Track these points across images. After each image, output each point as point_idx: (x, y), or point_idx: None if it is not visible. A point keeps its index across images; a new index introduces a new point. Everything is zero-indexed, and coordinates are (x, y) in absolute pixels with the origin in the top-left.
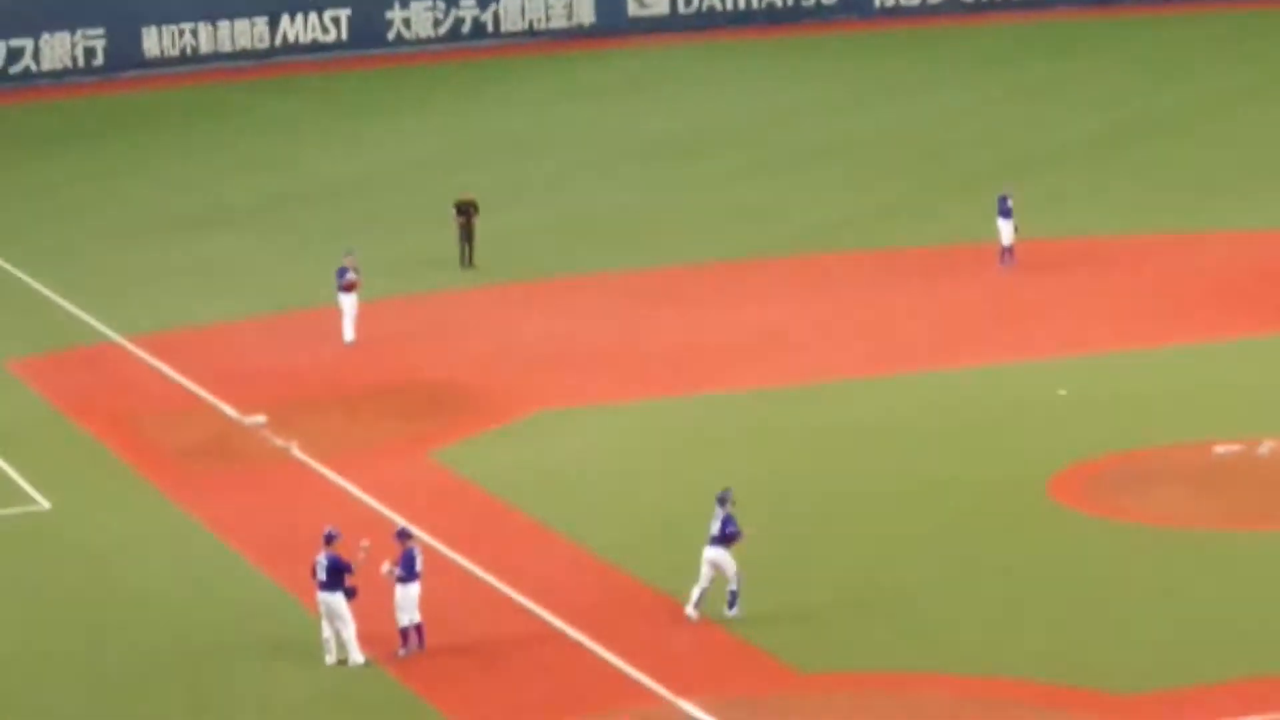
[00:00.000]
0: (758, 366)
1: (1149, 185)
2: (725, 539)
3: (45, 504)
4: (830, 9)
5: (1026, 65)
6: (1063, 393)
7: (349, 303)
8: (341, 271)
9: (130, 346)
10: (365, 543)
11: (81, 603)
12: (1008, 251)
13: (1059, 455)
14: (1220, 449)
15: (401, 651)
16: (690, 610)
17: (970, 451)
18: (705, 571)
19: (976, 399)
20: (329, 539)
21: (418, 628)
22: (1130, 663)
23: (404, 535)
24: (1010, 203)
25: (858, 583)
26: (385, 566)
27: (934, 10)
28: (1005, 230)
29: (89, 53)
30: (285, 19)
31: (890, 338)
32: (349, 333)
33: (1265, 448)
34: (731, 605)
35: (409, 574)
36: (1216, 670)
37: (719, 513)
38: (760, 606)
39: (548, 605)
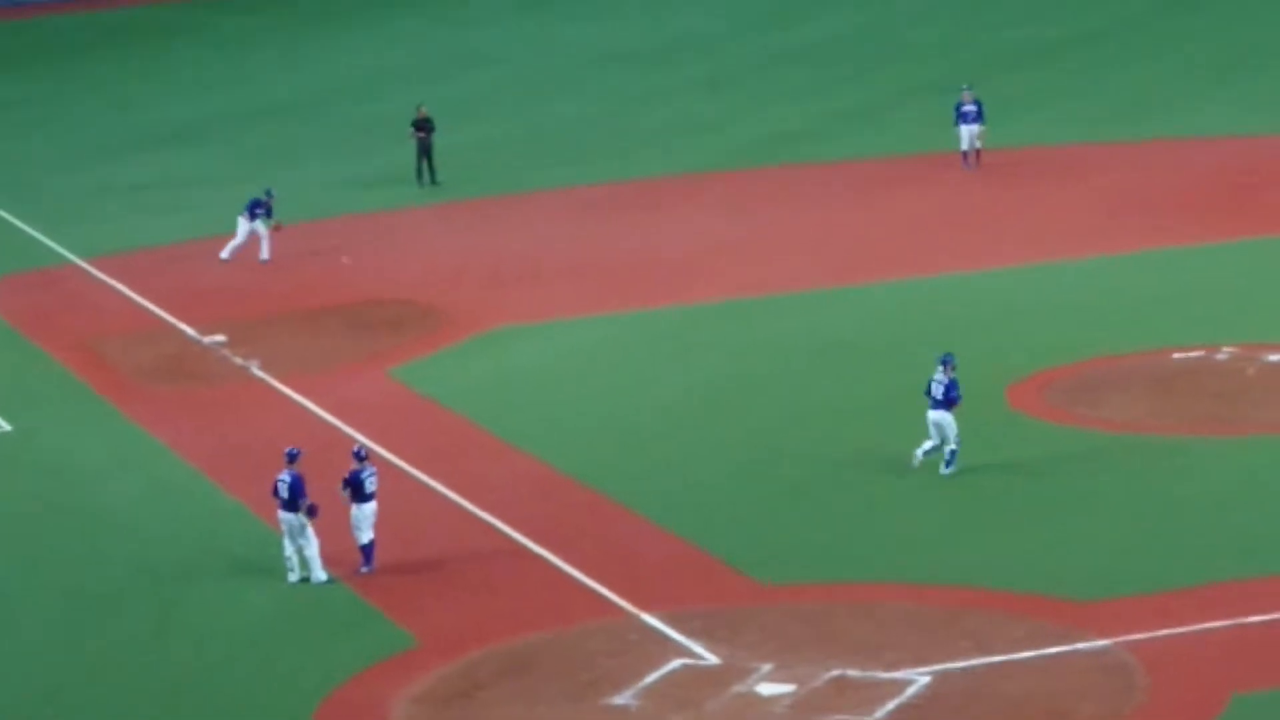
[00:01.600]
0: (718, 279)
1: (1101, 93)
2: (949, 402)
3: (6, 426)
4: None
5: None
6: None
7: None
8: (255, 203)
9: (87, 267)
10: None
11: (45, 524)
12: (970, 155)
13: (1018, 364)
14: (1178, 355)
15: (364, 569)
16: (917, 455)
17: (927, 361)
18: (933, 431)
19: (934, 309)
20: (291, 457)
21: (370, 545)
22: (1091, 569)
23: (359, 455)
24: (974, 106)
25: (821, 494)
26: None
27: None
28: (967, 133)
29: None
30: None
31: (848, 249)
32: (265, 251)
33: (1223, 354)
34: (949, 464)
35: (359, 495)
36: (1176, 577)
37: (941, 377)
38: (723, 518)
39: (509, 520)
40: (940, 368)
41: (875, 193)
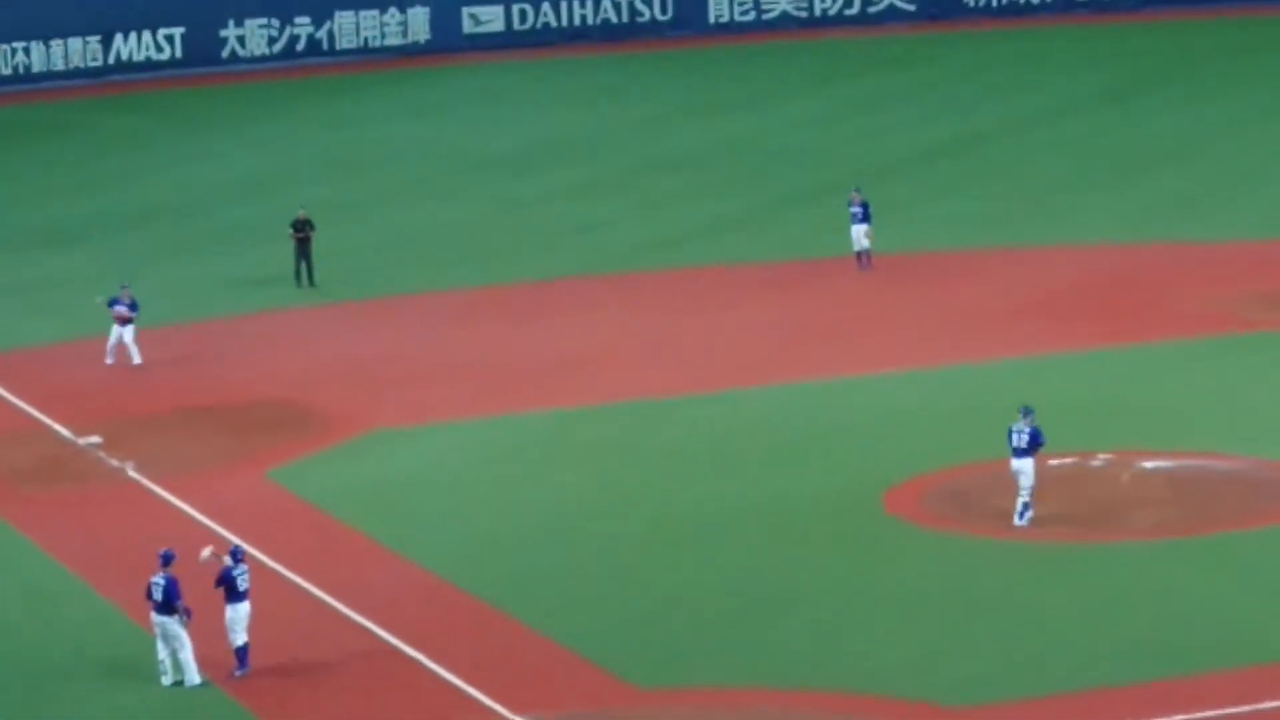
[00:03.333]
0: (597, 383)
1: (982, 197)
2: (1034, 448)
3: None
4: (665, 24)
5: (861, 79)
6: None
7: (125, 333)
8: (113, 301)
9: None
10: (205, 552)
11: None
12: (864, 256)
13: (896, 469)
14: (1054, 461)
15: (238, 672)
16: (1017, 520)
17: (806, 466)
18: (1022, 481)
19: (811, 413)
20: (166, 560)
21: (242, 649)
22: (967, 675)
23: (235, 555)
24: (862, 208)
25: (693, 598)
26: (204, 552)
27: (769, 25)
28: (858, 234)
29: None
30: (119, 37)
31: (725, 352)
32: (135, 356)
33: (1098, 460)
34: (1021, 515)
35: (232, 594)
36: (1052, 682)
37: (1022, 426)
38: (595, 621)
39: (383, 623)
40: (1021, 417)
41: (760, 296)
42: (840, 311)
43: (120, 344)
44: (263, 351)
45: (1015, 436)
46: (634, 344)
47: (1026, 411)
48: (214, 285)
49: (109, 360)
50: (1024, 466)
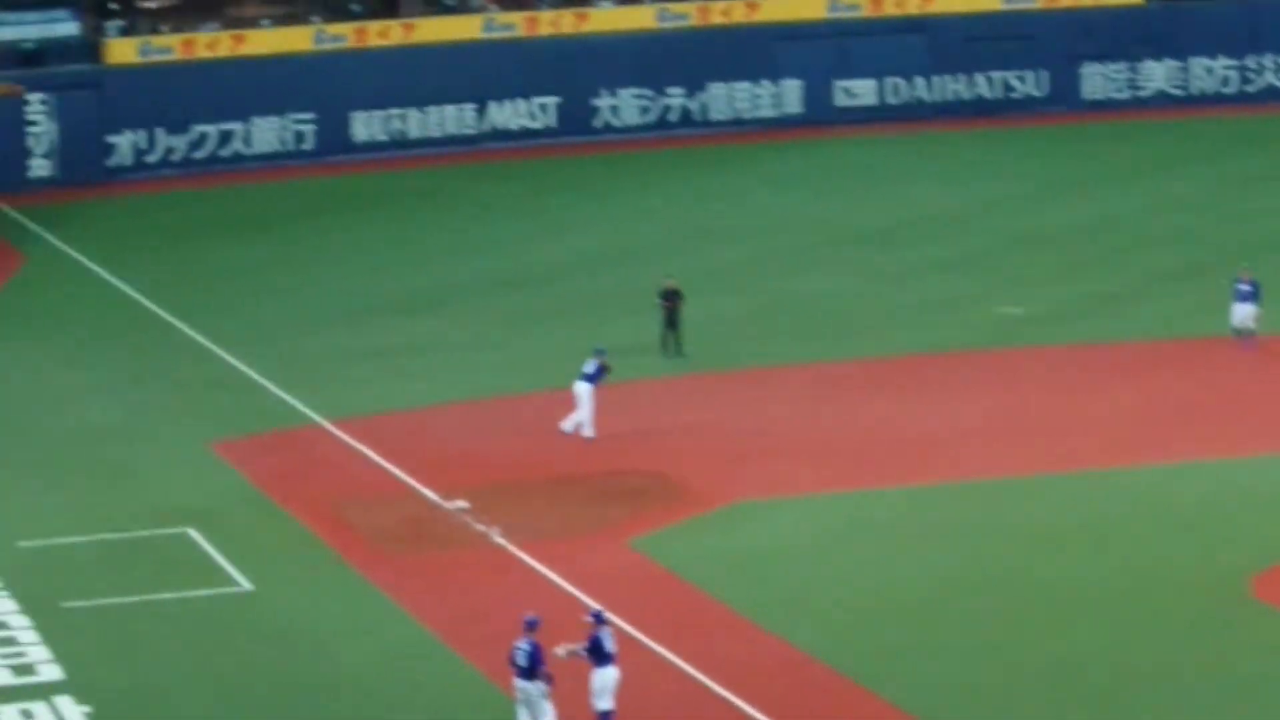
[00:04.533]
0: (957, 460)
1: None
2: None
3: (247, 585)
4: (1038, 101)
5: (1238, 157)
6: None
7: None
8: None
9: (333, 430)
10: (564, 649)
11: (280, 686)
12: (1245, 335)
13: (1267, 554)
14: None
15: None
16: None
17: (1173, 547)
18: None
19: (1181, 494)
20: (530, 625)
21: (610, 714)
22: None
23: (598, 618)
24: (1251, 286)
25: (1052, 683)
26: (562, 649)
27: (1143, 103)
28: (1243, 314)
29: (299, 136)
30: (493, 105)
31: (1091, 431)
32: (588, 428)
33: None
34: None
35: (600, 658)
36: None
37: None
38: (958, 699)
39: (744, 695)
40: None
41: (1129, 374)
42: (1214, 392)
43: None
44: (628, 420)
45: None
46: (998, 421)
47: None
48: (581, 353)
49: (568, 427)
50: None
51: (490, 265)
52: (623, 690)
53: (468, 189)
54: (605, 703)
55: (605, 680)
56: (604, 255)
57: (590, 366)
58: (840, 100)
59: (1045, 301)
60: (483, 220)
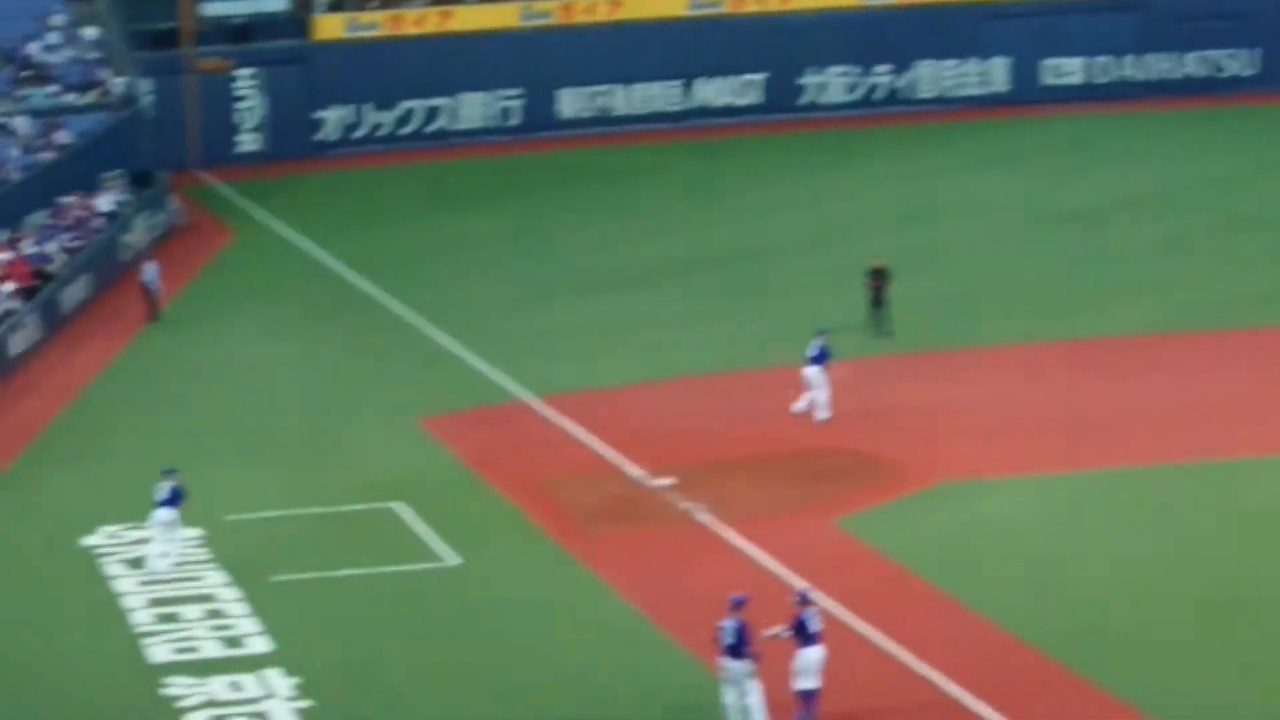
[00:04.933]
0: (1166, 441)
1: None
2: None
3: (454, 560)
4: (1248, 80)
5: None
6: None
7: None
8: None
9: (541, 406)
10: (773, 630)
11: (486, 661)
12: None
13: None
14: None
15: (799, 716)
16: None
17: None
18: None
19: None
20: (736, 604)
21: (814, 694)
22: None
23: (803, 599)
24: None
25: (1265, 665)
26: (771, 630)
27: None
28: None
29: (505, 113)
30: (700, 82)
31: None
32: (823, 411)
33: None
34: None
35: (804, 638)
36: None
37: None
38: (1164, 682)
39: (948, 675)
40: None
41: None
42: None
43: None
44: (836, 399)
45: None
46: (1213, 403)
47: None
48: (785, 332)
49: (800, 408)
50: None
51: (694, 243)
52: (827, 667)
53: (673, 166)
54: (806, 683)
55: (808, 660)
56: (809, 234)
57: (813, 349)
58: (1047, 79)
59: (1261, 282)
60: (687, 198)
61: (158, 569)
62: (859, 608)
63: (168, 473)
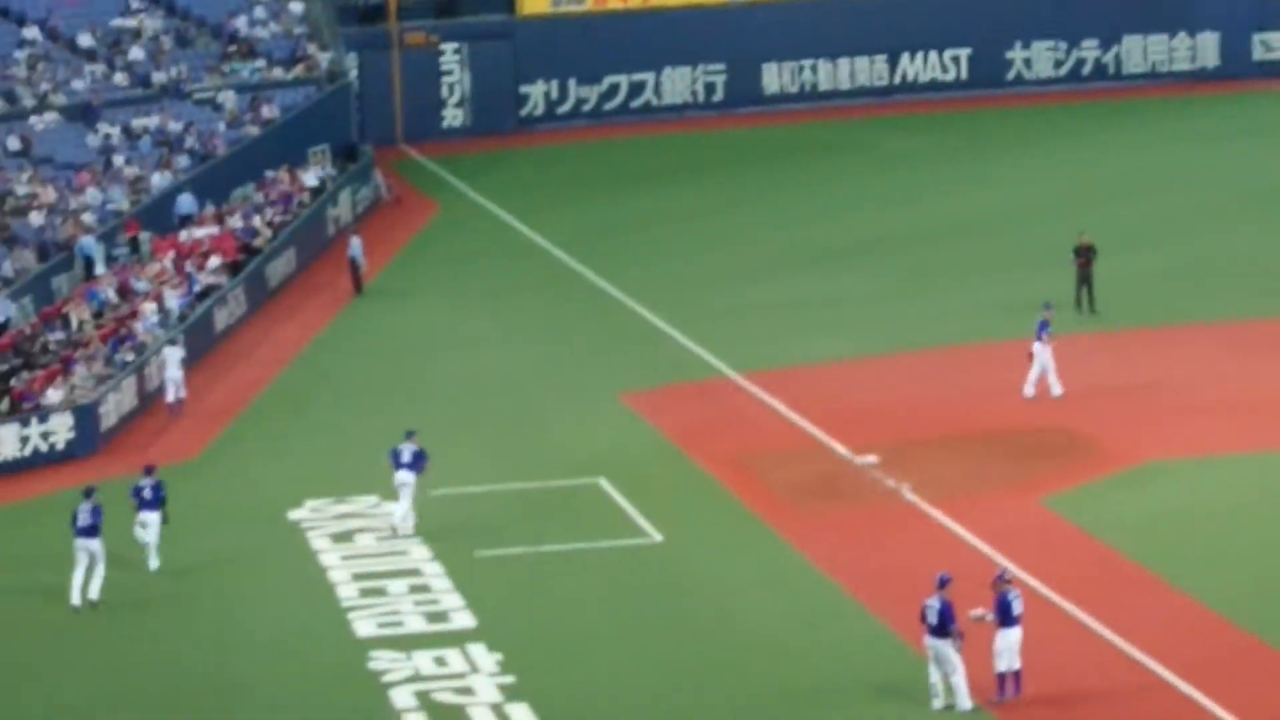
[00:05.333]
0: None
1: None
2: None
3: (657, 536)
4: None
5: None
6: None
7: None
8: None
9: (743, 382)
10: (977, 612)
11: (690, 637)
12: None
13: None
14: None
15: (997, 697)
16: None
17: None
18: None
19: None
20: (941, 583)
21: (1016, 674)
22: None
23: (1001, 579)
24: None
25: None
26: (975, 612)
27: None
28: None
29: (709, 88)
30: (905, 57)
31: None
32: (1055, 387)
33: None
34: None
35: (1005, 619)
36: None
37: None
38: None
39: (1156, 656)
40: None
41: None
42: None
43: (1042, 374)
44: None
45: None
46: None
47: None
48: (990, 309)
49: (1030, 391)
50: None
51: (899, 219)
52: (1030, 647)
53: (878, 142)
54: (1005, 664)
55: (1009, 641)
56: (1015, 210)
57: (1038, 325)
58: (1258, 53)
59: None
60: (892, 174)
61: (403, 530)
62: (1065, 588)
63: (410, 434)
